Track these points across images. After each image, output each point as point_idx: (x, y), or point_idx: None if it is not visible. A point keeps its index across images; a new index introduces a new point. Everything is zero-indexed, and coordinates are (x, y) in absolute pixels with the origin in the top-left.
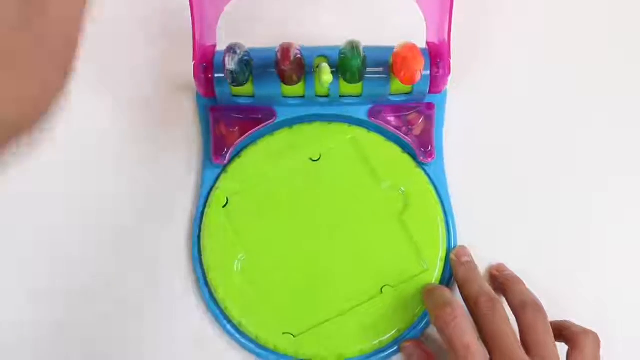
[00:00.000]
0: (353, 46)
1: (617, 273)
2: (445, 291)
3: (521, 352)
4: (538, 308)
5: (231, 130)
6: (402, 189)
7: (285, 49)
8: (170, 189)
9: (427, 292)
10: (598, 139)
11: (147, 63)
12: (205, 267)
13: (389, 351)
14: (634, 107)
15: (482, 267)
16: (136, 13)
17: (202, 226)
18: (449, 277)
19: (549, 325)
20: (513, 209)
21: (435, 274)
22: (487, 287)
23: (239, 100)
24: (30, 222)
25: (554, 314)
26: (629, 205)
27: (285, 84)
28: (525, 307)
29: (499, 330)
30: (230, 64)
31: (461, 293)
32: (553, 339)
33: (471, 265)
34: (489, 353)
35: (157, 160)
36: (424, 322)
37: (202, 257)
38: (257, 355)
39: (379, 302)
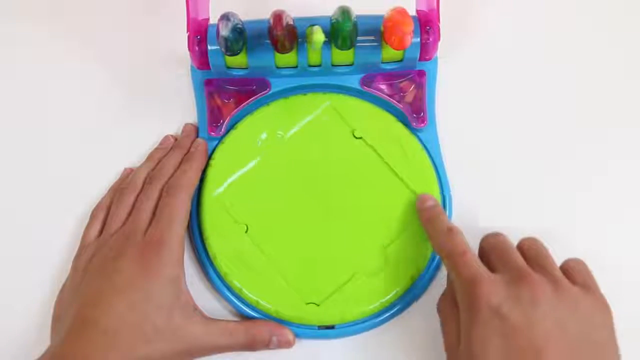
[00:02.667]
0: (344, 11)
1: (612, 230)
2: (445, 218)
3: (522, 260)
4: (536, 239)
5: (226, 102)
6: (397, 154)
7: (278, 15)
8: None
9: (426, 219)
10: (590, 100)
11: (143, 38)
12: (209, 250)
13: (408, 298)
14: (627, 63)
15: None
16: None
17: (200, 206)
18: None
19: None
20: (505, 172)
21: None
22: None
23: (233, 72)
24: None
25: None
26: (625, 159)
27: (278, 51)
28: (524, 239)
29: (504, 245)
30: (224, 30)
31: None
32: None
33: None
34: (495, 264)
35: (153, 134)
36: (433, 265)
37: (204, 237)
38: None
39: (387, 257)
